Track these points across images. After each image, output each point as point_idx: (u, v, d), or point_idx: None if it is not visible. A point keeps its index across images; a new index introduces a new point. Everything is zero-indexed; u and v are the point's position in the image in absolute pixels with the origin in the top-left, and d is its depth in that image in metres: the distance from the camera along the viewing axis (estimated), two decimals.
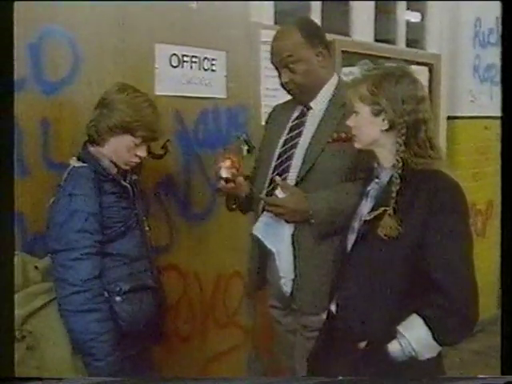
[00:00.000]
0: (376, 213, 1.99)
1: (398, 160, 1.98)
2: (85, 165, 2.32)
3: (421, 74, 4.58)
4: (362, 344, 1.99)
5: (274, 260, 2.49)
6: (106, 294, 2.26)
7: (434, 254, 1.91)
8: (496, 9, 4.54)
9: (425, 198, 1.93)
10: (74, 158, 2.36)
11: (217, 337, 3.47)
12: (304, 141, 2.51)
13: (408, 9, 4.84)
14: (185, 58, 3.21)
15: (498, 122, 2.38)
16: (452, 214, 1.94)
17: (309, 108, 2.55)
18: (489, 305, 2.18)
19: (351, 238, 2.11)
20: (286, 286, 2.48)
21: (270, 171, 2.56)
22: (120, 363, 2.23)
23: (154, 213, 3.05)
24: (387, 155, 2.04)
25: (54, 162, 2.67)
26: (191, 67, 3.24)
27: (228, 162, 2.54)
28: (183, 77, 3.21)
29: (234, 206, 2.72)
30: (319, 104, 2.53)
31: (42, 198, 2.51)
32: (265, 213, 2.48)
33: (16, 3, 2.08)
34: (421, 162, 1.98)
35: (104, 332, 2.20)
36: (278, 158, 2.55)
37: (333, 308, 2.16)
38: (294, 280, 2.47)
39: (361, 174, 2.33)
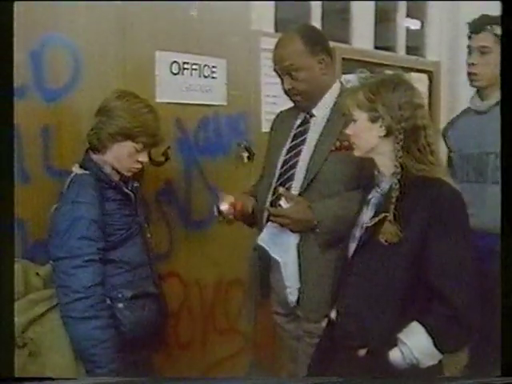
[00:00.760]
0: (377, 219, 1.99)
1: (396, 166, 1.98)
2: (87, 172, 2.32)
3: (420, 81, 4.59)
4: (363, 351, 1.99)
5: (279, 269, 2.49)
6: (108, 301, 2.27)
7: (435, 261, 1.91)
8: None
9: (425, 206, 1.93)
10: (77, 165, 2.37)
11: (217, 343, 3.46)
12: (307, 149, 2.51)
13: (408, 16, 4.85)
14: (185, 66, 3.22)
15: None
16: (452, 222, 1.94)
17: (311, 115, 2.55)
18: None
19: (352, 246, 2.12)
20: (292, 295, 2.49)
21: (274, 180, 2.56)
22: (122, 370, 2.23)
23: (155, 220, 3.05)
24: (387, 163, 2.05)
25: (55, 168, 2.67)
26: (192, 74, 3.25)
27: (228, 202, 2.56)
28: (184, 84, 3.21)
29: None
30: (322, 111, 2.53)
31: (42, 204, 2.52)
32: (269, 223, 2.48)
33: (16, 5, 2.08)
34: (421, 168, 1.98)
35: (106, 339, 2.20)
36: (281, 167, 2.55)
37: (333, 315, 2.16)
38: (299, 289, 2.47)
39: (362, 182, 2.33)
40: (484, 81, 2.86)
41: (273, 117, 2.85)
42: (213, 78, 3.34)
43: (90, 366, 2.20)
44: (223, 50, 3.37)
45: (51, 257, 2.29)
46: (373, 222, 2.01)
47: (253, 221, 2.67)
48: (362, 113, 2.03)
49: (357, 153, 2.11)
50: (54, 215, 2.29)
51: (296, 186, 2.48)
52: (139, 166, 2.40)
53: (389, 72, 2.13)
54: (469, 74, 2.92)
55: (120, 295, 2.30)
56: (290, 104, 2.63)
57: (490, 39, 2.80)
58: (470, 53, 2.90)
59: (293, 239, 2.46)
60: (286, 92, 2.54)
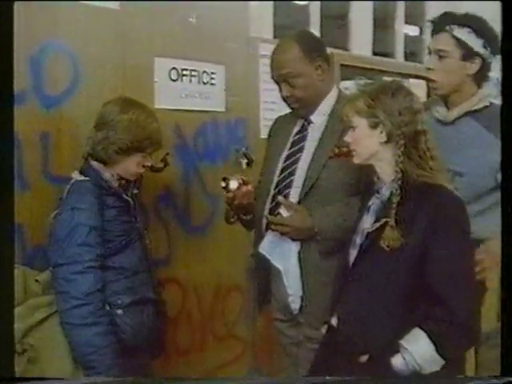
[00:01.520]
0: (378, 224, 1.99)
1: (397, 171, 1.99)
2: (87, 178, 2.33)
3: (419, 87, 4.60)
4: (364, 358, 1.99)
5: (280, 277, 2.48)
6: (107, 307, 2.27)
7: (436, 267, 1.91)
8: (493, 22, 4.56)
9: (427, 212, 1.93)
10: (76, 171, 2.37)
11: (216, 349, 3.46)
12: (306, 156, 2.51)
13: (406, 22, 4.86)
14: (184, 72, 3.22)
15: None
16: (454, 229, 1.94)
17: (309, 122, 2.55)
18: (489, 317, 2.17)
19: (353, 253, 2.11)
20: (295, 303, 2.48)
21: (273, 187, 2.55)
22: (121, 376, 2.22)
23: (154, 226, 3.05)
24: (387, 169, 2.05)
25: (54, 175, 2.67)
26: (190, 81, 3.25)
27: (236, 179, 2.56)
28: (182, 90, 3.22)
29: (232, 220, 2.72)
30: (319, 118, 2.53)
31: (41, 211, 2.52)
32: (270, 231, 2.48)
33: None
34: (422, 173, 1.98)
35: (106, 345, 2.20)
36: (280, 174, 2.55)
37: (334, 321, 2.15)
38: (302, 297, 2.47)
39: (361, 189, 2.33)
40: (444, 89, 2.53)
41: (271, 123, 2.84)
42: (211, 84, 3.34)
43: (89, 372, 2.20)
44: (222, 56, 3.37)
45: (51, 263, 2.28)
46: (374, 228, 2.01)
47: (250, 219, 2.68)
48: (362, 119, 2.03)
49: (356, 160, 2.11)
50: (54, 222, 2.30)
51: (295, 194, 2.48)
52: (143, 170, 2.42)
53: (387, 79, 2.13)
54: (427, 80, 2.69)
55: (119, 301, 2.30)
56: (289, 110, 2.63)
57: (448, 42, 2.48)
58: (429, 56, 2.60)
59: (293, 247, 2.46)
60: (284, 99, 2.54)
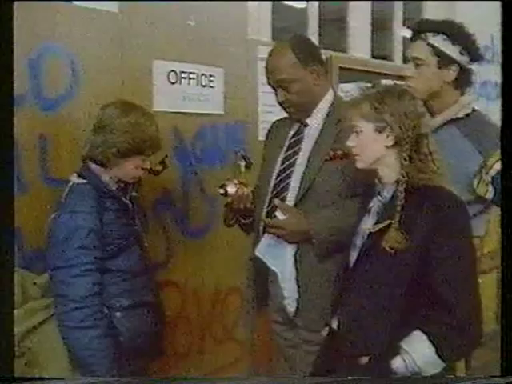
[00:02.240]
0: (381, 225, 1.98)
1: (403, 175, 1.98)
2: (85, 181, 2.33)
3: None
4: (364, 359, 1.99)
5: (277, 280, 2.49)
6: (105, 310, 2.27)
7: (437, 269, 1.91)
8: (491, 26, 4.57)
9: (428, 214, 1.92)
10: (75, 174, 2.37)
11: (215, 352, 3.46)
12: (302, 159, 2.51)
13: (404, 25, 4.87)
14: (183, 75, 3.23)
15: None
16: (455, 231, 1.94)
17: (305, 125, 2.55)
18: (488, 319, 2.17)
19: (353, 255, 2.11)
20: (291, 305, 2.49)
21: (270, 190, 2.56)
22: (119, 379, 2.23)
23: (153, 229, 3.05)
24: (389, 172, 2.04)
25: (52, 177, 2.67)
26: (189, 84, 3.26)
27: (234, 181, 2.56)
28: (181, 93, 3.22)
29: (231, 222, 2.72)
30: (315, 121, 2.53)
31: (40, 213, 2.52)
32: (266, 234, 2.48)
33: (16, 7, 2.08)
34: (424, 177, 1.98)
35: (104, 348, 2.20)
36: (276, 177, 2.55)
37: (335, 324, 2.15)
38: (298, 299, 2.47)
39: (359, 190, 2.33)
40: (422, 96, 2.40)
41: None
42: (210, 87, 3.35)
43: (87, 375, 2.20)
44: (220, 59, 3.38)
45: (49, 266, 2.28)
46: (376, 228, 2.00)
47: (248, 223, 2.68)
48: (368, 124, 2.02)
49: (360, 165, 2.09)
50: (52, 224, 2.29)
51: (291, 197, 2.48)
52: (142, 173, 2.43)
53: (388, 82, 2.13)
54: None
55: (118, 304, 2.30)
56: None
57: (424, 50, 2.48)
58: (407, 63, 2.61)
59: (290, 250, 2.46)
60: (280, 103, 2.54)
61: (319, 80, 2.52)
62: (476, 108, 2.53)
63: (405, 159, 1.99)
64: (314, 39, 3.78)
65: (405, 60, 4.84)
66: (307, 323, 2.47)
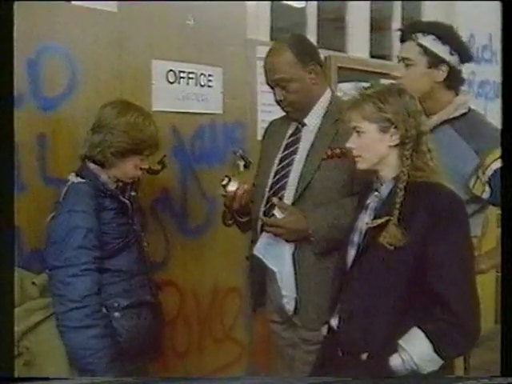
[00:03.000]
0: (380, 221, 1.97)
1: (403, 172, 1.98)
2: (83, 181, 2.32)
3: None
4: (364, 356, 1.99)
5: (275, 278, 2.48)
6: (104, 310, 2.26)
7: (435, 266, 1.91)
8: (489, 25, 4.57)
9: (425, 211, 1.92)
10: (73, 173, 2.36)
11: (214, 352, 3.46)
12: (300, 158, 2.51)
13: (403, 24, 4.87)
14: (181, 74, 3.23)
15: None
16: (452, 227, 1.94)
17: (303, 124, 2.55)
18: (486, 319, 2.17)
19: (351, 252, 2.11)
20: (289, 304, 2.48)
21: (267, 189, 2.56)
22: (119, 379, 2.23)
23: (151, 228, 3.05)
24: (388, 170, 2.05)
25: (51, 177, 2.68)
26: (188, 83, 3.26)
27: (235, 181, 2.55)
28: (180, 93, 3.23)
29: (230, 222, 2.72)
30: (313, 120, 2.53)
31: (38, 213, 2.52)
32: (264, 233, 2.48)
33: (16, 7, 2.08)
34: (423, 174, 1.98)
35: (102, 348, 2.19)
36: (274, 176, 2.55)
37: (334, 322, 2.15)
38: (296, 298, 2.47)
39: (357, 188, 2.34)
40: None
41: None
42: (209, 86, 3.35)
43: (85, 376, 2.19)
44: (219, 58, 3.38)
45: (47, 266, 2.28)
46: (375, 224, 2.00)
47: (246, 222, 2.68)
48: (371, 124, 2.01)
49: (362, 166, 2.08)
50: (51, 224, 2.29)
51: (289, 196, 2.48)
52: (140, 173, 2.43)
53: (386, 82, 2.13)
54: None
55: (116, 304, 2.30)
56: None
57: (413, 50, 2.46)
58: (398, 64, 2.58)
59: (288, 249, 2.46)
60: (278, 102, 2.54)
61: (317, 79, 2.52)
62: (472, 107, 2.53)
63: (407, 157, 1.99)
64: (313, 39, 3.78)
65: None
66: (306, 322, 2.47)
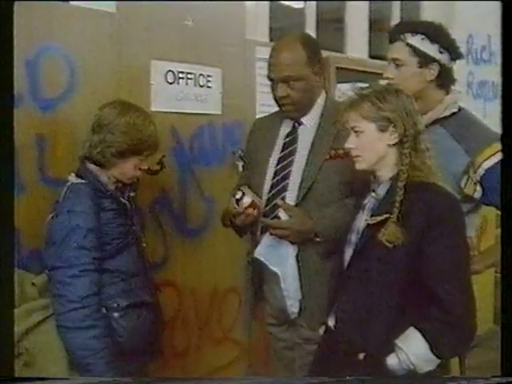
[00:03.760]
0: (380, 218, 1.98)
1: (403, 171, 1.99)
2: (83, 181, 2.32)
3: None
4: (361, 355, 1.99)
5: (274, 281, 2.48)
6: (103, 311, 2.27)
7: (432, 266, 1.92)
8: (488, 26, 4.58)
9: (421, 210, 1.93)
10: (72, 174, 2.36)
11: (213, 352, 3.46)
12: (299, 158, 2.50)
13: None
14: (180, 75, 3.23)
15: None
16: (449, 227, 1.95)
17: (300, 124, 2.54)
18: (485, 319, 2.17)
19: (349, 251, 2.12)
20: (294, 306, 2.48)
21: (266, 191, 2.53)
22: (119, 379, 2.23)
23: (151, 229, 3.05)
24: (386, 170, 2.05)
25: (50, 177, 2.68)
26: (187, 84, 3.26)
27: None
28: (179, 93, 3.22)
29: (229, 223, 2.71)
30: (311, 120, 2.53)
31: (38, 213, 2.52)
32: (266, 235, 2.46)
33: (16, 7, 2.08)
34: (421, 174, 1.99)
35: (102, 348, 2.20)
36: (273, 177, 2.52)
37: (331, 322, 2.15)
38: (301, 300, 2.47)
39: (356, 188, 2.33)
40: None
41: None
42: (208, 87, 3.35)
43: (85, 376, 2.20)
44: (218, 59, 3.38)
45: (47, 266, 2.28)
46: (374, 221, 2.00)
47: (245, 229, 2.66)
48: (370, 123, 2.02)
49: (361, 166, 2.09)
50: (50, 225, 2.29)
51: (291, 197, 2.47)
52: (140, 173, 2.42)
53: (382, 82, 2.13)
54: None
55: (115, 304, 2.30)
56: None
57: (403, 50, 2.45)
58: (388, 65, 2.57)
59: (291, 250, 2.45)
60: (277, 99, 2.51)
61: (319, 79, 2.52)
62: (462, 107, 2.53)
63: (406, 156, 1.99)
64: None
65: None
66: (311, 323, 2.46)
